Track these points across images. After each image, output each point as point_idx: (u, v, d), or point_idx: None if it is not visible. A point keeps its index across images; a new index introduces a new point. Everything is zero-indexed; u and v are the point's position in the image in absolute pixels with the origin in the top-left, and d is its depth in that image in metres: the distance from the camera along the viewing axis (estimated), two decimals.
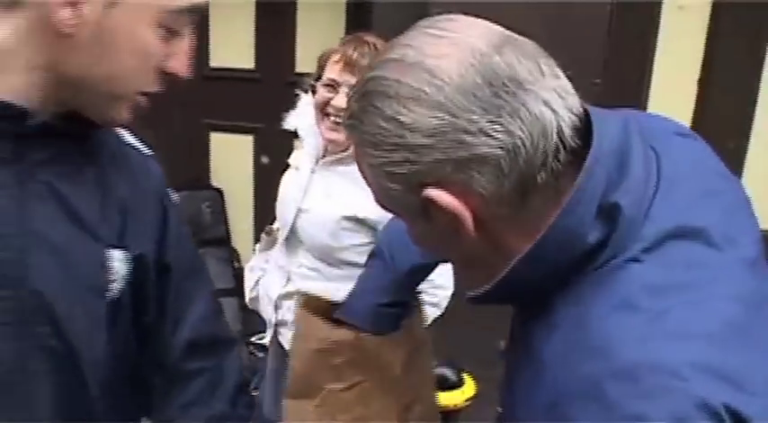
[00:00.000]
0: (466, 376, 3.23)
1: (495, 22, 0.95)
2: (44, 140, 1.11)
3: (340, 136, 2.18)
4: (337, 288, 2.26)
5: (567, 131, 0.89)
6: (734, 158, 3.50)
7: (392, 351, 1.56)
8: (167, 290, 1.33)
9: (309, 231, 2.32)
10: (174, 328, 1.36)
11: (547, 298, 0.91)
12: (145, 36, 1.07)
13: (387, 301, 1.58)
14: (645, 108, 3.56)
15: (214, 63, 4.23)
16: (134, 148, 1.31)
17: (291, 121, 2.41)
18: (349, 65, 2.17)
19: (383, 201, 1.00)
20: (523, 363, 0.95)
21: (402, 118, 0.89)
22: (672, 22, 3.56)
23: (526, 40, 0.93)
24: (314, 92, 2.27)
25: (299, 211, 2.33)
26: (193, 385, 1.39)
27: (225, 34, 4.18)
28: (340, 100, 2.15)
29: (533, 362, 0.91)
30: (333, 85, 2.21)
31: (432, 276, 1.86)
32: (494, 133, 0.87)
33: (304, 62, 4.07)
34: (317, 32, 4.03)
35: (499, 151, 0.87)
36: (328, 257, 2.31)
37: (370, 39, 2.24)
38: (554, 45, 0.96)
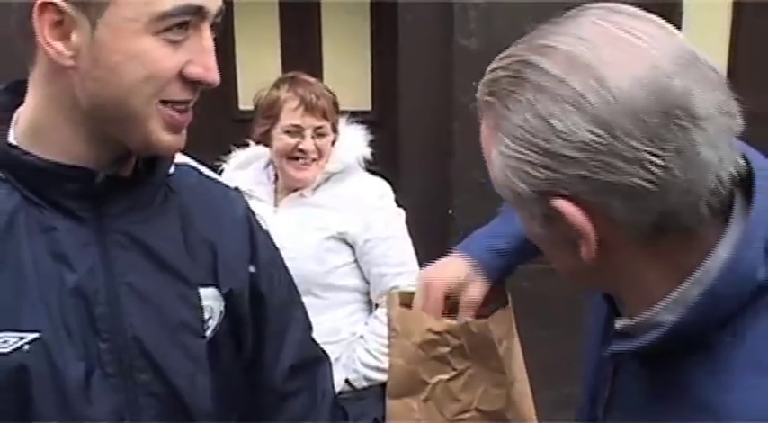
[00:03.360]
0: None
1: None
2: (116, 193, 1.15)
3: (310, 174, 2.40)
4: (330, 319, 2.40)
5: (725, 180, 0.82)
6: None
7: (494, 332, 1.54)
8: (264, 319, 1.35)
9: (292, 265, 2.24)
10: (275, 356, 1.39)
11: (709, 345, 0.85)
12: (142, 46, 1.05)
13: (501, 244, 1.47)
14: None
15: (243, 106, 4.26)
16: (215, 181, 1.35)
17: (232, 179, 2.32)
18: (310, 109, 2.37)
19: (500, 190, 0.92)
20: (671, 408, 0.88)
21: (555, 122, 0.81)
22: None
23: (711, 63, 0.83)
24: (263, 143, 2.47)
25: None
26: (295, 404, 1.43)
27: (253, 76, 4.20)
28: (308, 143, 2.37)
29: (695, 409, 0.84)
30: (297, 131, 2.38)
31: None
32: (651, 167, 0.79)
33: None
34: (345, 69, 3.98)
35: (650, 186, 0.79)
36: (314, 287, 2.35)
37: (310, 79, 2.47)
38: None
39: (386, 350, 2.14)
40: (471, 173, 3.39)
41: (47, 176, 1.12)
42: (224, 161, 2.60)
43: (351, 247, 2.40)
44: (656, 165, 0.78)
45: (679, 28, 3.20)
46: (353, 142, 2.48)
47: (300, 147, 2.36)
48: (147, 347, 1.16)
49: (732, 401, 0.80)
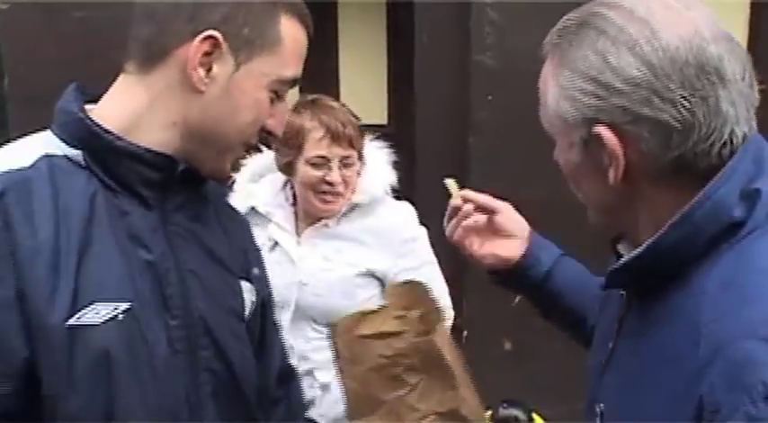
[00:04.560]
0: (536, 416, 3.18)
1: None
2: (180, 187, 1.28)
3: (337, 206, 2.28)
4: None
5: (738, 137, 0.99)
6: None
7: (439, 344, 1.69)
8: (266, 321, 1.50)
9: (318, 301, 2.26)
10: (270, 361, 1.52)
11: (686, 274, 1.01)
12: (261, 97, 1.25)
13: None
14: None
15: None
16: (227, 204, 1.51)
17: (243, 202, 2.23)
18: (336, 139, 2.22)
19: (550, 120, 1.09)
20: (653, 343, 1.03)
21: (611, 58, 0.99)
22: None
23: (741, 45, 1.02)
24: (286, 173, 2.32)
25: (300, 286, 2.26)
26: (280, 411, 1.55)
27: None
28: (335, 175, 2.23)
29: (680, 328, 0.98)
30: (323, 163, 2.23)
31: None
32: (680, 108, 0.97)
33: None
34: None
35: (677, 124, 0.98)
36: None
37: (333, 102, 2.33)
38: None
39: None
40: (487, 187, 3.37)
41: (134, 161, 1.23)
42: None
43: (379, 279, 2.30)
44: (685, 107, 0.96)
45: None
46: (379, 169, 2.36)
47: (327, 179, 2.23)
48: (210, 326, 1.29)
49: (705, 313, 0.95)
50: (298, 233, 2.34)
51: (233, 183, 1.47)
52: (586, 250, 3.57)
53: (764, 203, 0.99)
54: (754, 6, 3.52)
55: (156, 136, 1.24)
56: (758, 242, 0.98)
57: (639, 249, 1.04)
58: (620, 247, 1.19)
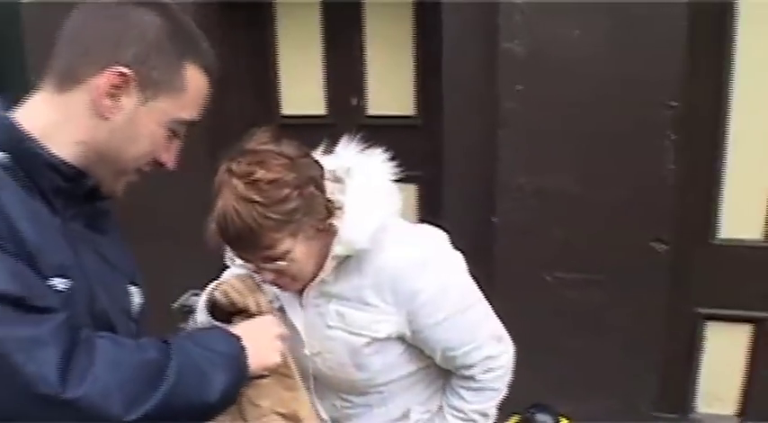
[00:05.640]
0: (563, 420, 3.14)
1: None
2: (76, 199, 1.43)
3: (294, 287, 1.87)
4: (397, 406, 2.02)
5: None
6: None
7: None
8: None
9: (331, 374, 1.96)
10: None
11: None
12: (158, 132, 1.44)
13: None
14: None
15: (286, 111, 4.29)
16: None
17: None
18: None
19: None
20: None
21: None
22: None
23: None
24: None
25: (311, 357, 1.94)
26: None
27: (296, 80, 4.23)
28: (266, 276, 1.83)
29: None
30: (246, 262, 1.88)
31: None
32: None
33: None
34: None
35: None
36: (366, 389, 1.97)
37: (241, 183, 1.71)
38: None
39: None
40: (516, 180, 3.36)
41: (50, 170, 1.38)
42: None
43: (399, 338, 1.90)
44: None
45: (733, 29, 3.09)
46: (369, 203, 1.83)
47: (260, 279, 1.85)
48: (112, 322, 1.47)
49: None
50: (301, 293, 1.92)
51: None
52: (615, 245, 3.51)
53: None
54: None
55: (63, 150, 1.38)
56: None
57: None
58: None
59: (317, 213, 1.75)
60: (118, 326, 1.47)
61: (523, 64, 3.26)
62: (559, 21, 3.15)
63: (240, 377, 1.51)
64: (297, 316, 1.93)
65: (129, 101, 1.38)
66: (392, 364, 1.93)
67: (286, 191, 1.68)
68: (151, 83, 1.38)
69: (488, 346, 1.93)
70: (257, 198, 1.65)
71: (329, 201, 1.79)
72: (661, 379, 3.53)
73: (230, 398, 1.50)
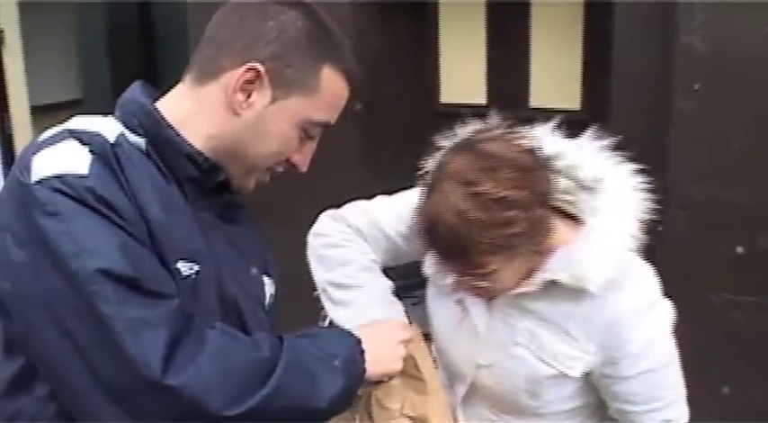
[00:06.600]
0: None
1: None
2: (206, 190, 1.47)
3: (487, 295, 1.70)
4: None
5: None
6: None
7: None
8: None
9: (498, 389, 1.78)
10: None
11: None
12: (288, 131, 1.45)
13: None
14: None
15: (445, 99, 4.17)
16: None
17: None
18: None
19: None
20: None
21: None
22: None
23: None
24: None
25: (479, 367, 1.77)
26: None
27: (456, 67, 4.13)
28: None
29: None
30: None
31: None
32: None
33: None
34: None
35: None
36: (532, 415, 1.79)
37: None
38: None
39: None
40: (688, 187, 3.10)
41: (185, 158, 1.42)
42: (427, 159, 1.72)
43: (582, 377, 1.72)
44: None
45: None
46: (613, 241, 1.62)
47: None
48: (241, 310, 1.50)
49: None
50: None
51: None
52: None
53: None
54: None
55: (197, 142, 1.42)
56: None
57: None
58: None
59: (541, 236, 1.55)
60: (247, 314, 1.49)
61: (703, 60, 3.02)
62: (746, 16, 2.90)
63: (355, 383, 1.45)
64: (480, 317, 1.74)
65: (260, 97, 1.41)
66: (566, 396, 1.75)
67: (512, 213, 1.47)
68: (284, 81, 1.41)
69: (672, 408, 1.74)
70: (478, 216, 1.45)
71: (570, 216, 1.63)
72: None
73: (342, 403, 1.43)
